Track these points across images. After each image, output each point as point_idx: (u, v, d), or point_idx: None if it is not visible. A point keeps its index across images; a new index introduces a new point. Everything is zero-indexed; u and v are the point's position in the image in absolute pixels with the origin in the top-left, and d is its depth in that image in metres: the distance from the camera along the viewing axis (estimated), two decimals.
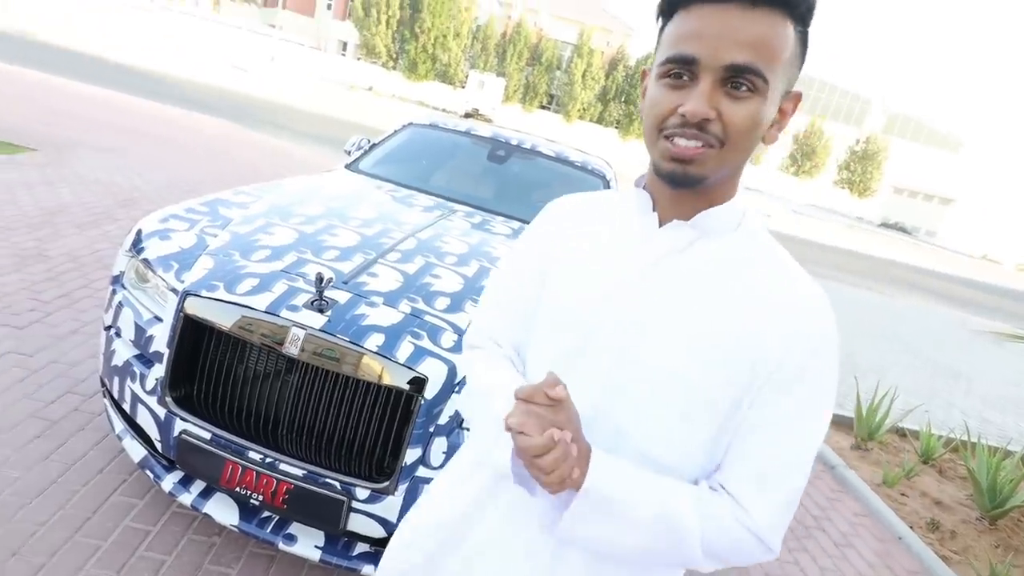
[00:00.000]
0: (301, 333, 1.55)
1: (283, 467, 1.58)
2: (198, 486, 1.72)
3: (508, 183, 3.27)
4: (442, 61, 38.43)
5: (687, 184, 0.71)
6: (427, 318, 1.70)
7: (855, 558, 2.82)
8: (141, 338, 1.76)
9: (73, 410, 2.32)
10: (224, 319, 1.60)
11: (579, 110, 40.85)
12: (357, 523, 1.57)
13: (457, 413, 1.58)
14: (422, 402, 1.53)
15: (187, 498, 1.70)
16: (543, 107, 42.30)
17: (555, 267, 0.85)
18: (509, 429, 0.67)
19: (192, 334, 1.65)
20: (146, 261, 1.84)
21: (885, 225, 44.62)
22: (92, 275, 3.51)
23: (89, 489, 1.96)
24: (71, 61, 16.05)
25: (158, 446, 1.70)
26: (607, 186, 3.39)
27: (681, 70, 0.67)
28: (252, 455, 1.59)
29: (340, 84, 35.92)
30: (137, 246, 1.91)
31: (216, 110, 13.38)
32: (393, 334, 1.59)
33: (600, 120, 41.81)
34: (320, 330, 1.55)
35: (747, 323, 0.73)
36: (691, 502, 0.73)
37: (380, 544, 1.63)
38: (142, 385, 1.71)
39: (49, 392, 2.39)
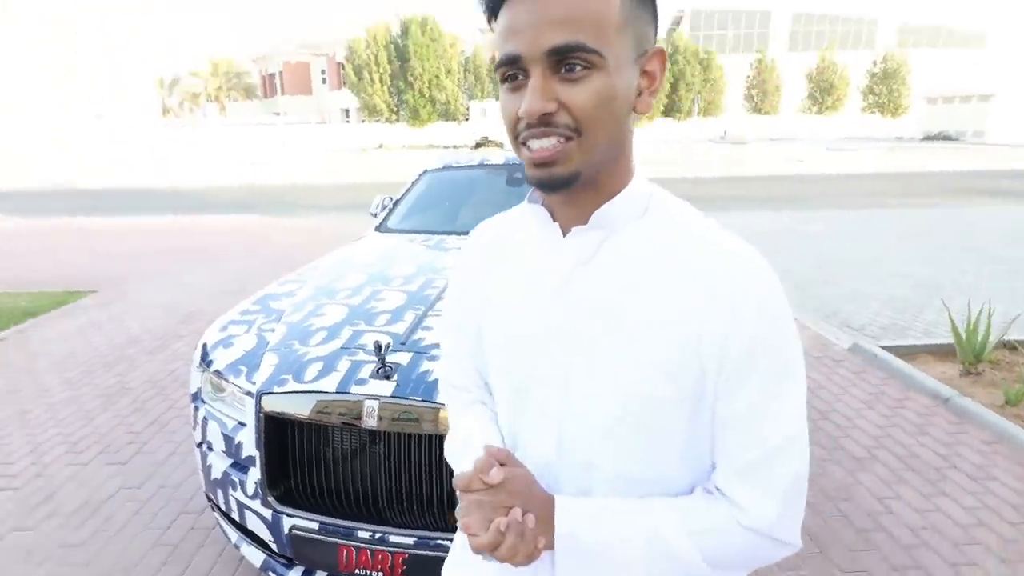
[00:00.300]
0: (375, 404, 1.57)
1: (393, 539, 1.58)
2: None
3: None
4: (440, 101, 39.25)
5: (561, 186, 0.65)
6: None
7: (999, 489, 2.61)
8: (231, 447, 1.82)
9: (190, 529, 2.42)
10: (301, 409, 1.64)
11: None
12: None
13: None
14: None
15: None
16: None
17: (485, 306, 0.81)
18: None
19: (276, 431, 1.70)
20: (217, 372, 1.91)
21: (928, 139, 42.23)
22: (173, 396, 3.69)
23: None
24: (108, 199, 17.22)
25: (274, 547, 1.74)
26: None
27: (513, 71, 0.63)
28: (361, 534, 1.60)
29: (351, 150, 37.15)
30: (206, 359, 1.99)
31: (248, 207, 14.03)
32: None
33: None
34: (391, 396, 1.57)
35: (678, 314, 0.66)
36: (677, 519, 0.67)
37: None
38: (243, 491, 1.76)
39: (164, 518, 2.51)
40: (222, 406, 1.91)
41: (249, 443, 1.77)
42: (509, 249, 0.80)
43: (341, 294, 2.18)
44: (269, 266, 7.47)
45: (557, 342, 0.71)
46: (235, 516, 1.82)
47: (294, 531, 1.66)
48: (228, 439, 1.82)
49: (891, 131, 46.62)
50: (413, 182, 3.64)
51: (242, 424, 1.82)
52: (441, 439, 1.55)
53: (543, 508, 0.68)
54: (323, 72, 51.00)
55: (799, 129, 44.50)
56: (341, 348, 1.78)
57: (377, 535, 1.59)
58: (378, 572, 1.60)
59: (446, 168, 3.65)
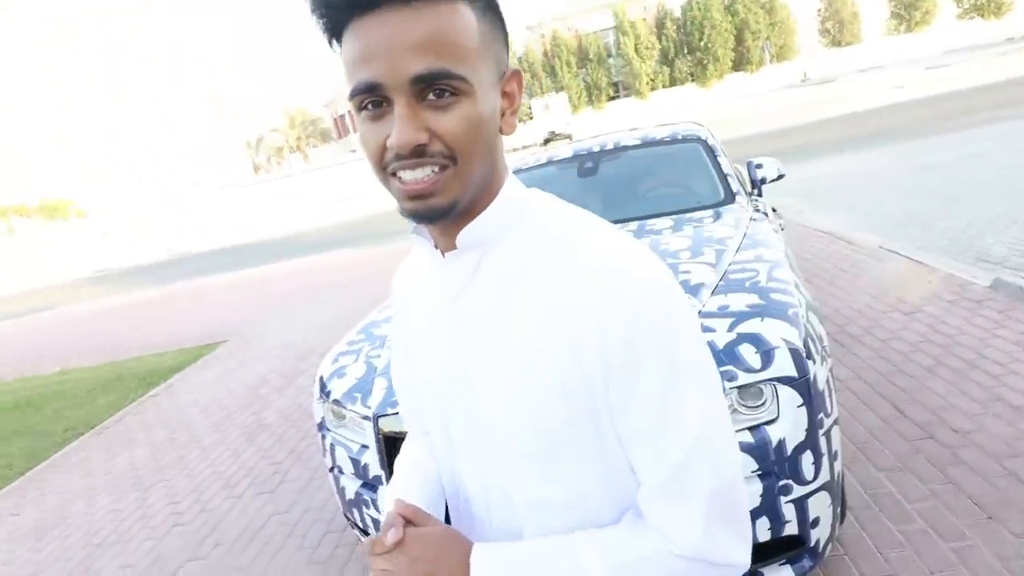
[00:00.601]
0: None
1: None
2: None
3: (608, 190, 3.21)
4: None
5: (439, 217, 0.61)
6: None
7: None
8: (359, 468, 1.94)
9: (335, 547, 2.61)
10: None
11: (648, 83, 39.63)
12: None
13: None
14: None
15: None
16: (612, 98, 41.63)
17: (407, 344, 0.83)
18: None
19: (395, 451, 1.79)
20: (336, 401, 2.05)
21: None
22: (304, 427, 3.99)
23: None
24: (221, 257, 18.96)
25: None
26: (706, 148, 3.20)
27: (372, 99, 0.58)
28: None
29: None
30: (324, 391, 2.13)
31: (343, 242, 14.90)
32: None
33: (673, 82, 40.16)
34: None
35: (556, 328, 0.62)
36: (599, 556, 0.62)
37: None
38: (376, 509, 1.87)
39: (312, 538, 2.72)
40: (345, 432, 2.04)
41: (374, 463, 1.88)
42: (414, 287, 0.80)
43: None
44: (371, 295, 7.89)
45: (457, 373, 0.70)
46: (372, 533, 1.94)
47: None
48: (355, 462, 1.95)
49: (998, 34, 41.23)
50: None
51: (365, 447, 1.94)
52: None
53: (458, 568, 0.65)
54: None
55: (888, 54, 40.51)
56: None
57: None
58: None
59: (515, 172, 3.68)
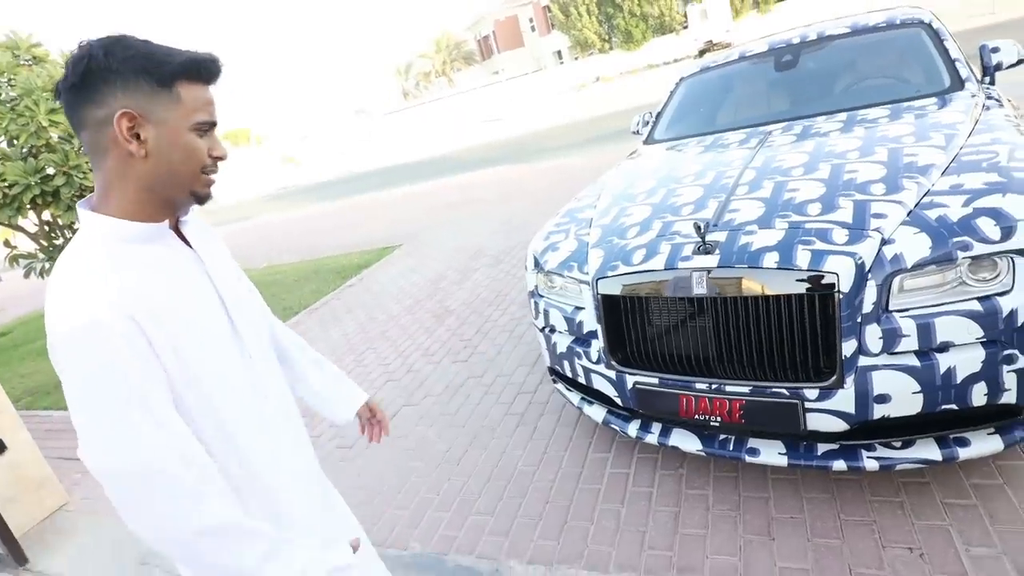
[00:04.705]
0: (703, 275, 1.78)
1: (729, 388, 1.82)
2: (657, 427, 2.09)
3: (811, 82, 3.07)
4: (653, 16, 36.91)
5: (209, 200, 1.01)
6: (808, 225, 1.76)
7: None
8: (572, 326, 2.23)
9: (529, 403, 3.02)
10: (635, 286, 1.94)
11: None
12: (817, 422, 1.71)
13: (880, 299, 1.60)
14: (840, 296, 1.60)
15: (652, 438, 2.08)
16: None
17: (174, 352, 0.89)
18: None
19: (611, 308, 2.04)
20: (551, 271, 2.34)
21: None
22: (486, 313, 4.47)
23: (570, 452, 2.54)
24: (384, 176, 20.49)
25: (618, 401, 2.12)
26: (930, 31, 2.91)
27: (209, 128, 0.96)
28: (698, 386, 1.87)
29: (569, 89, 37.52)
30: (538, 264, 2.43)
31: (492, 161, 15.41)
32: (784, 248, 1.71)
33: None
34: (719, 267, 1.76)
35: None
36: None
37: (844, 438, 1.73)
38: (588, 359, 2.16)
39: (507, 396, 3.16)
40: (558, 297, 2.34)
41: (589, 321, 2.15)
42: (158, 287, 0.91)
43: (639, 197, 2.43)
44: (524, 207, 8.23)
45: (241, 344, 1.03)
46: (581, 380, 2.25)
47: (637, 386, 2.01)
48: (569, 320, 2.24)
49: None
50: (671, 92, 3.70)
51: (579, 308, 2.22)
52: (770, 300, 1.70)
53: None
54: (531, 21, 51.70)
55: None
56: (657, 236, 2.03)
57: (714, 386, 1.84)
58: (716, 416, 1.86)
59: (703, 70, 3.62)
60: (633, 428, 2.14)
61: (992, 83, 2.88)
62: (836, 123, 2.54)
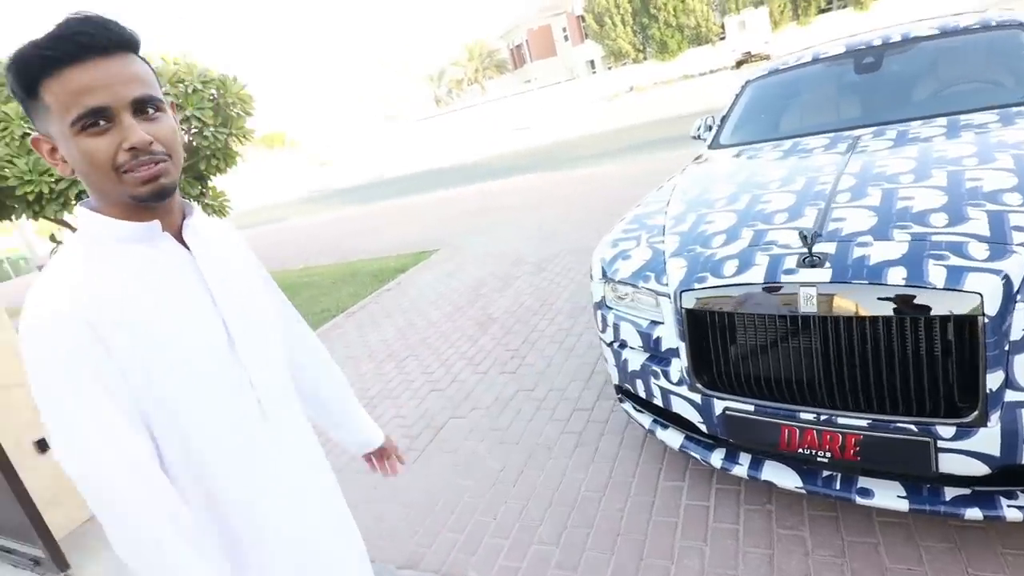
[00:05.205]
0: (812, 291, 1.59)
1: (842, 421, 1.61)
2: (746, 458, 1.89)
3: (898, 86, 2.85)
4: (689, 26, 36.54)
5: (168, 194, 0.86)
6: (936, 238, 1.56)
7: None
8: (648, 342, 2.05)
9: (586, 422, 2.84)
10: (727, 301, 1.75)
11: None
12: (951, 464, 1.49)
13: None
14: (985, 320, 1.39)
15: (740, 470, 1.88)
16: (824, 10, 36.14)
17: (141, 364, 0.82)
18: None
19: (697, 324, 1.85)
20: (622, 281, 2.16)
21: None
22: (531, 321, 4.30)
23: (639, 479, 2.35)
24: (417, 180, 20.55)
25: (702, 427, 1.93)
26: None
27: (96, 119, 0.78)
28: (804, 416, 1.67)
29: (601, 99, 37.31)
30: (607, 273, 2.26)
31: (524, 168, 15.30)
32: (911, 263, 1.51)
33: None
34: (832, 282, 1.57)
35: None
36: None
37: (983, 484, 1.51)
38: (667, 379, 1.98)
39: (561, 412, 2.98)
40: (630, 309, 2.16)
41: (668, 337, 1.97)
42: (133, 292, 0.84)
43: (719, 203, 2.24)
44: (558, 214, 8.07)
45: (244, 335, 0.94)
46: (657, 402, 2.07)
47: (728, 412, 1.81)
48: (644, 336, 2.06)
49: None
50: (737, 96, 3.50)
51: (655, 322, 2.04)
52: (897, 322, 1.50)
53: None
54: (564, 30, 51.73)
55: None
56: (749, 246, 1.84)
57: (824, 417, 1.64)
58: (824, 452, 1.65)
59: (772, 73, 3.41)
60: (717, 458, 1.94)
61: None
62: (937, 128, 2.32)
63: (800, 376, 1.68)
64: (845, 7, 35.54)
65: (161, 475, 0.83)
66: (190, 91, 6.72)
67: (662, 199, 2.62)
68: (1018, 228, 1.51)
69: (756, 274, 1.71)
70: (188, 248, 0.90)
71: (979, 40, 2.81)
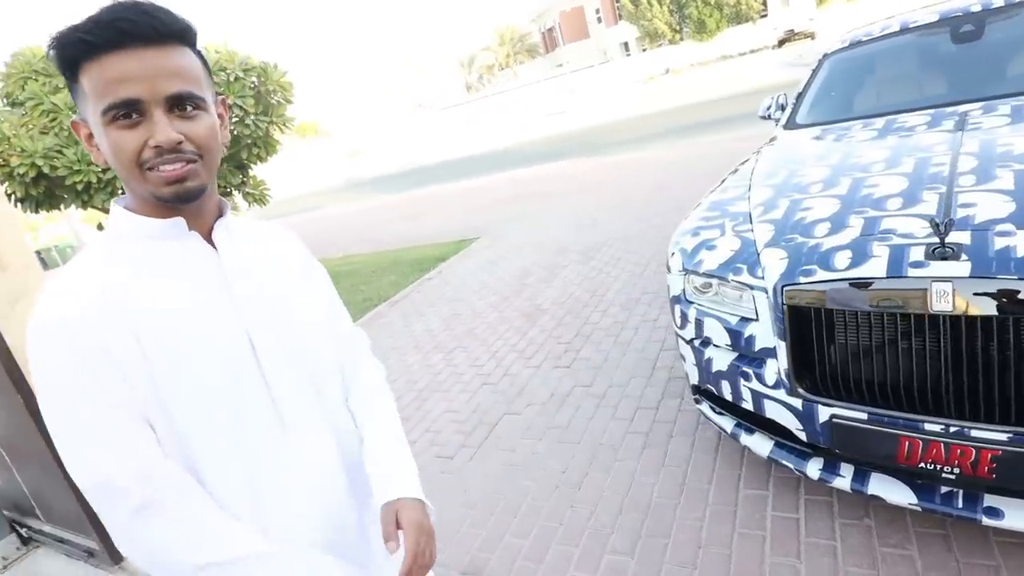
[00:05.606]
0: (948, 287, 1.39)
1: (975, 434, 1.42)
2: (848, 469, 1.71)
3: (1007, 55, 2.57)
4: (729, 4, 35.36)
5: (193, 197, 0.81)
6: None
7: None
8: (738, 341, 1.88)
9: (652, 422, 2.68)
10: (841, 297, 1.57)
11: None
12: None
13: None
14: None
15: (842, 482, 1.70)
16: None
17: (147, 368, 0.78)
18: None
19: (800, 323, 1.67)
20: (707, 273, 1.99)
21: None
22: (583, 313, 4.14)
23: (716, 486, 2.18)
24: (452, 168, 20.46)
25: (800, 435, 1.76)
26: None
27: (127, 111, 0.74)
28: (929, 427, 1.48)
29: (636, 81, 36.51)
30: (688, 264, 2.08)
31: (560, 154, 15.04)
32: None
33: None
34: (972, 277, 1.37)
35: None
36: None
37: None
38: (760, 382, 1.80)
39: (624, 411, 2.83)
40: (715, 304, 1.99)
41: (763, 336, 1.79)
42: (144, 285, 0.80)
43: (813, 188, 2.04)
44: (597, 201, 7.85)
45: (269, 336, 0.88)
46: (747, 406, 1.89)
47: (835, 420, 1.63)
48: (734, 334, 1.89)
49: None
50: (814, 71, 3.25)
51: (746, 319, 1.86)
52: None
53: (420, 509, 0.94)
54: (597, 12, 50.72)
55: None
56: (861, 235, 1.65)
57: (953, 428, 1.45)
58: (953, 468, 1.46)
59: (854, 44, 3.15)
60: (814, 468, 1.76)
61: None
62: None
63: (923, 382, 1.49)
64: None
65: (184, 473, 0.80)
66: (232, 79, 6.73)
67: (741, 183, 2.42)
68: None
69: (876, 267, 1.52)
70: (216, 248, 0.87)
71: None
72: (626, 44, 47.00)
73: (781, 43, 29.54)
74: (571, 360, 3.50)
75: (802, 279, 1.64)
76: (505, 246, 6.84)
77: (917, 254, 1.48)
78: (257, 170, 8.79)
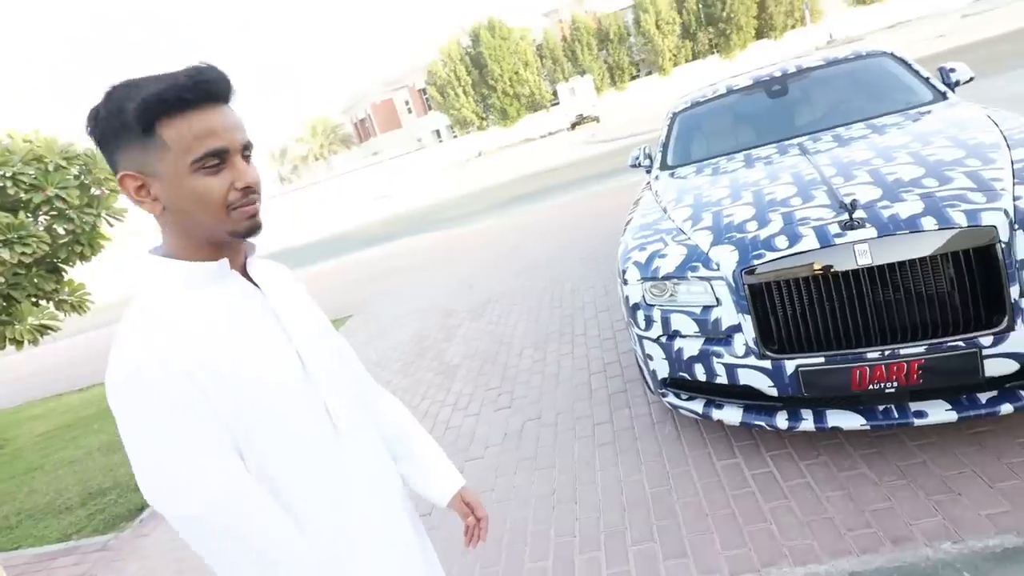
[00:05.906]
0: (865, 247, 1.88)
1: (903, 351, 1.89)
2: (808, 412, 2.11)
3: (809, 104, 3.47)
4: (525, 95, 39.81)
5: (260, 229, 0.93)
6: (939, 194, 1.95)
7: None
8: (705, 326, 2.23)
9: (614, 432, 2.91)
10: (788, 271, 1.99)
11: (671, 59, 39.51)
12: (994, 367, 1.83)
13: None
14: (1002, 246, 1.77)
15: (806, 424, 2.09)
16: (634, 77, 41.55)
17: (238, 384, 0.87)
18: None
19: (760, 297, 2.07)
20: (667, 277, 2.33)
21: None
22: (500, 359, 4.30)
23: (694, 465, 2.46)
24: (286, 256, 19.47)
25: (771, 392, 2.12)
26: (896, 58, 3.44)
27: (216, 160, 0.85)
28: (870, 355, 1.93)
29: (453, 165, 38.78)
30: (645, 273, 2.42)
31: (399, 234, 15.28)
32: (935, 212, 1.87)
33: (695, 55, 40.02)
34: (880, 236, 1.87)
35: None
36: None
37: (1013, 380, 1.85)
38: (732, 355, 2.16)
39: (583, 430, 3.02)
40: (675, 302, 2.33)
41: (728, 316, 2.16)
42: (215, 332, 0.88)
43: (724, 201, 2.54)
44: (463, 268, 8.20)
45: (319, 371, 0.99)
46: (722, 380, 2.22)
47: (800, 369, 2.03)
48: (701, 321, 2.24)
49: None
50: (668, 126, 3.98)
51: (708, 307, 2.23)
52: (933, 260, 1.83)
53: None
54: (407, 103, 53.57)
55: (917, 8, 39.67)
56: (785, 225, 2.12)
57: (887, 352, 1.91)
58: (892, 382, 1.91)
59: (694, 104, 3.95)
60: (782, 419, 2.14)
61: None
62: (863, 130, 2.87)
63: (859, 322, 1.95)
64: (651, 73, 41.16)
65: (273, 503, 0.89)
66: (51, 169, 5.95)
67: (653, 211, 2.88)
68: (994, 179, 1.95)
69: (810, 242, 1.98)
70: (256, 284, 0.97)
71: (859, 66, 3.53)
72: (438, 131, 49.91)
73: (574, 126, 34.01)
74: (509, 400, 3.62)
75: (756, 262, 2.06)
76: (386, 318, 6.77)
77: (835, 229, 1.97)
78: (74, 272, 7.66)
